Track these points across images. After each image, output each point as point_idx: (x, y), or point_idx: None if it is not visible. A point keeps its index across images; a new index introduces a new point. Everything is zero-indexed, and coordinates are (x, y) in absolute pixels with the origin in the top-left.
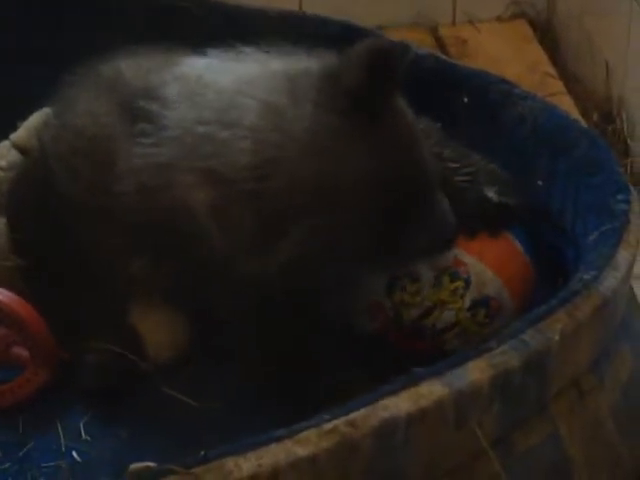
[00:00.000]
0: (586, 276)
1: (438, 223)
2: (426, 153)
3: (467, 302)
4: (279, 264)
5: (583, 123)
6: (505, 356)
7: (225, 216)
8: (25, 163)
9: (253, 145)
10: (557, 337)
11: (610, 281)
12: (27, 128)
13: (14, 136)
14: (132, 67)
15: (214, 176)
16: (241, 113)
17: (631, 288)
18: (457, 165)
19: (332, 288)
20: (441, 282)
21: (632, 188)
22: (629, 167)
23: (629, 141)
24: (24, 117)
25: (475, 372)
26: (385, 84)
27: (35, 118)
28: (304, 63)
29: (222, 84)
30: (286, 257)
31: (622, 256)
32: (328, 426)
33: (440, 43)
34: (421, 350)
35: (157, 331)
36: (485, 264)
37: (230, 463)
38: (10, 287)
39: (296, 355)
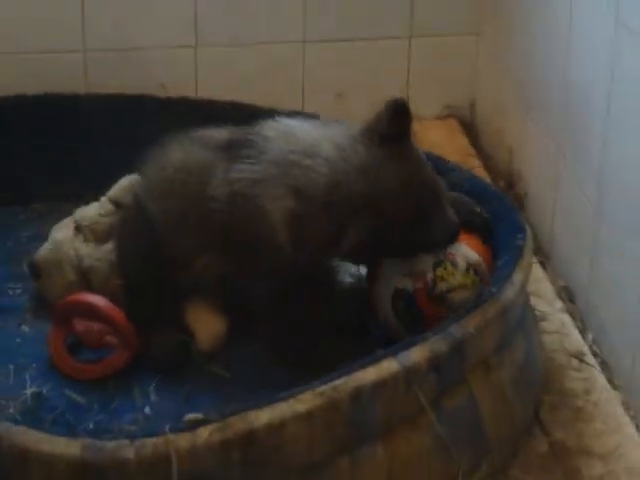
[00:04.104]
0: (493, 289)
1: (447, 221)
2: (434, 173)
3: (477, 291)
4: (341, 252)
5: (494, 188)
6: (437, 343)
7: (301, 224)
8: (122, 213)
9: (328, 170)
10: (472, 330)
11: (508, 293)
12: (120, 186)
13: (110, 193)
14: (208, 132)
15: (298, 192)
16: (320, 148)
17: (528, 296)
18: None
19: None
20: (469, 272)
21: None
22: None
23: (524, 202)
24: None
25: (417, 354)
26: (403, 126)
27: (125, 180)
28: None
29: (305, 131)
30: (347, 248)
31: (517, 276)
32: (319, 390)
33: None
34: (436, 313)
35: (204, 329)
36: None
37: (252, 415)
38: (112, 297)
39: (308, 329)
